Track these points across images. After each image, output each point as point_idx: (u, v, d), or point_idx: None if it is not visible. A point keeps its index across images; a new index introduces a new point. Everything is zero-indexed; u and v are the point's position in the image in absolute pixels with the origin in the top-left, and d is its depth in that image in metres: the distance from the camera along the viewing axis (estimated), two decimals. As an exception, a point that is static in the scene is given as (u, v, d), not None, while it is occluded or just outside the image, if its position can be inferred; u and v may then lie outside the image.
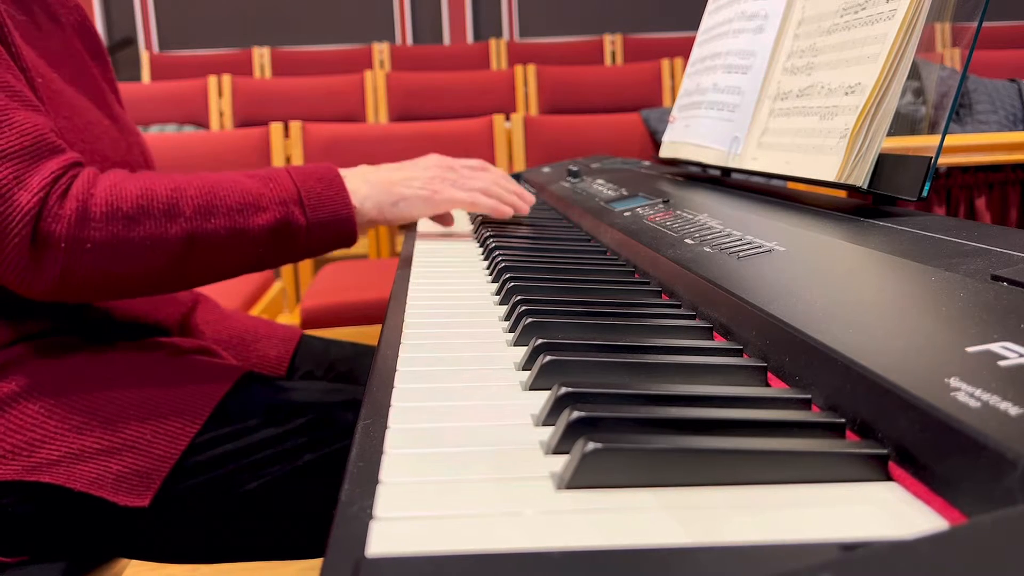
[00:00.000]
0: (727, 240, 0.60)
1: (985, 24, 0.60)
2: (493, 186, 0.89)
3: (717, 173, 1.04)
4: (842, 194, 0.80)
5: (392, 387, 0.41)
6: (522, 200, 0.92)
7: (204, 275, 0.72)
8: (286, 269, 2.33)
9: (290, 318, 1.88)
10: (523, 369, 0.44)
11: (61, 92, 0.74)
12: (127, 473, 0.66)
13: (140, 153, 0.86)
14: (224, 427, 0.71)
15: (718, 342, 0.48)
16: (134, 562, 0.76)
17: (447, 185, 0.85)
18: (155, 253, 0.66)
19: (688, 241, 0.63)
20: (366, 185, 0.79)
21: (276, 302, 2.01)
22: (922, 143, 0.66)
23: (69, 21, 0.84)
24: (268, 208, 0.71)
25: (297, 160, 2.23)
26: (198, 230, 0.67)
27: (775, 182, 0.99)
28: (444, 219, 0.95)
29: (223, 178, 0.71)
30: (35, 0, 0.78)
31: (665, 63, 3.61)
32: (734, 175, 0.97)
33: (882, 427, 0.31)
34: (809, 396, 0.37)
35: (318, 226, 0.74)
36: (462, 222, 1.07)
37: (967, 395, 0.28)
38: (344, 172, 0.79)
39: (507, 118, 2.42)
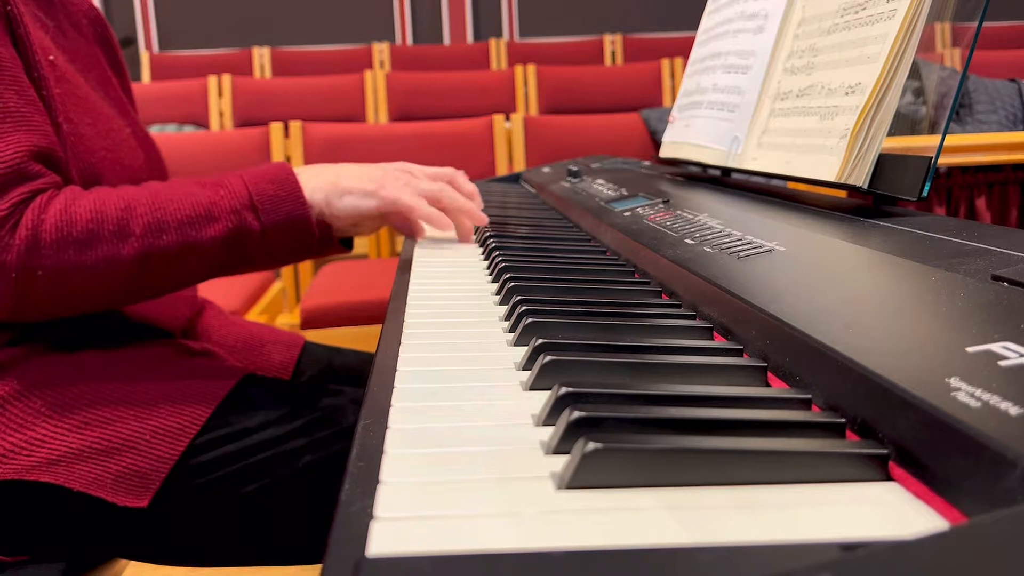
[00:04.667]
0: (727, 240, 0.60)
1: (985, 24, 0.60)
2: (442, 193, 0.84)
3: (717, 173, 1.04)
4: (842, 194, 0.80)
5: (392, 387, 0.41)
6: (470, 216, 0.87)
7: (162, 288, 0.72)
8: (286, 269, 2.33)
9: (290, 318, 1.88)
10: (523, 369, 0.44)
11: (86, 98, 0.75)
12: (126, 473, 0.66)
13: (155, 162, 0.87)
14: (225, 428, 0.71)
15: (718, 342, 0.48)
16: (133, 563, 0.76)
17: (396, 184, 0.80)
18: (108, 274, 0.66)
19: (688, 241, 0.63)
20: (316, 178, 0.76)
21: (276, 302, 2.01)
22: (922, 143, 0.66)
23: (90, 31, 0.84)
24: (220, 217, 0.70)
25: (297, 160, 2.23)
26: (150, 248, 0.67)
27: (775, 182, 0.99)
28: (410, 228, 0.86)
29: (175, 190, 0.70)
30: (60, 9, 0.79)
31: (665, 63, 3.61)
32: (734, 175, 0.97)
33: (882, 427, 0.31)
34: (809, 396, 0.37)
35: (273, 228, 0.72)
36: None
37: (967, 395, 0.28)
38: (299, 169, 0.77)
39: (507, 118, 2.41)
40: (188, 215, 0.69)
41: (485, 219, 0.88)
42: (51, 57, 0.71)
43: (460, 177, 0.89)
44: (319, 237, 0.76)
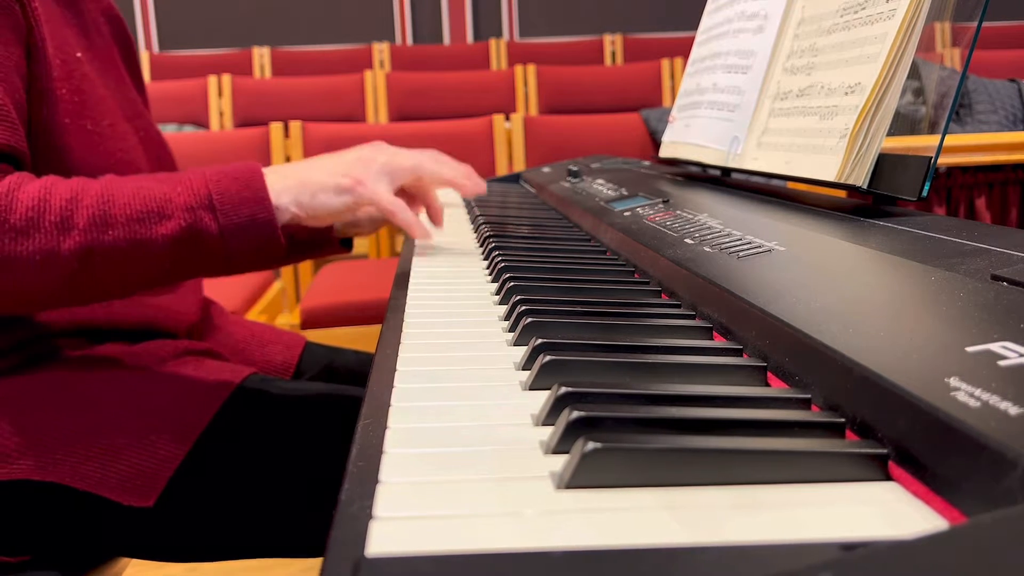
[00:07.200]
0: (727, 240, 0.60)
1: (985, 24, 0.60)
2: (421, 168, 0.76)
3: (717, 173, 1.04)
4: (842, 194, 0.80)
5: (392, 387, 0.41)
6: (455, 186, 0.79)
7: (108, 289, 0.65)
8: (286, 269, 2.32)
9: (290, 318, 1.88)
10: (523, 369, 0.44)
11: (104, 99, 0.74)
12: (132, 473, 0.66)
13: (166, 165, 0.87)
14: (228, 427, 0.72)
15: (718, 342, 0.48)
16: (134, 561, 0.76)
17: (371, 176, 0.72)
18: (47, 268, 0.60)
19: (688, 241, 0.63)
20: (284, 179, 0.69)
21: (276, 302, 2.01)
22: (922, 143, 0.66)
23: (108, 30, 0.84)
24: (173, 215, 0.63)
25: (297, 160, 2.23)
26: (94, 243, 0.61)
27: (775, 182, 0.99)
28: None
29: (128, 183, 0.64)
30: (84, 7, 0.78)
31: (665, 63, 3.61)
32: (734, 175, 0.97)
33: (882, 427, 0.31)
34: (809, 396, 0.37)
35: (233, 231, 0.65)
36: (462, 222, 1.07)
37: (967, 395, 0.28)
38: (268, 169, 0.70)
39: (507, 118, 2.42)
40: (138, 211, 0.62)
41: (473, 189, 0.81)
42: (78, 54, 0.70)
43: (440, 156, 0.81)
44: (288, 244, 0.70)
